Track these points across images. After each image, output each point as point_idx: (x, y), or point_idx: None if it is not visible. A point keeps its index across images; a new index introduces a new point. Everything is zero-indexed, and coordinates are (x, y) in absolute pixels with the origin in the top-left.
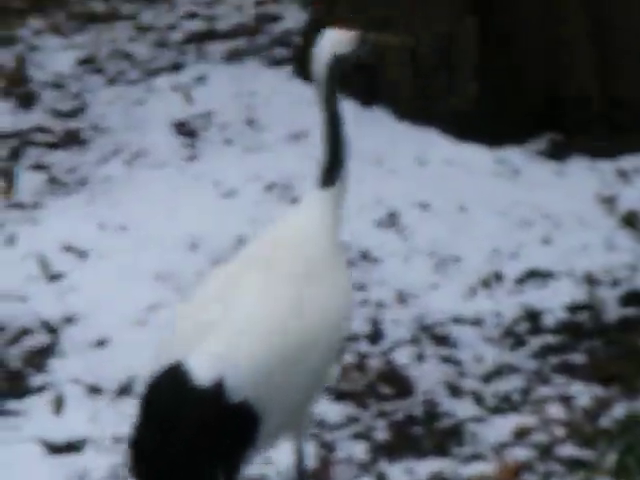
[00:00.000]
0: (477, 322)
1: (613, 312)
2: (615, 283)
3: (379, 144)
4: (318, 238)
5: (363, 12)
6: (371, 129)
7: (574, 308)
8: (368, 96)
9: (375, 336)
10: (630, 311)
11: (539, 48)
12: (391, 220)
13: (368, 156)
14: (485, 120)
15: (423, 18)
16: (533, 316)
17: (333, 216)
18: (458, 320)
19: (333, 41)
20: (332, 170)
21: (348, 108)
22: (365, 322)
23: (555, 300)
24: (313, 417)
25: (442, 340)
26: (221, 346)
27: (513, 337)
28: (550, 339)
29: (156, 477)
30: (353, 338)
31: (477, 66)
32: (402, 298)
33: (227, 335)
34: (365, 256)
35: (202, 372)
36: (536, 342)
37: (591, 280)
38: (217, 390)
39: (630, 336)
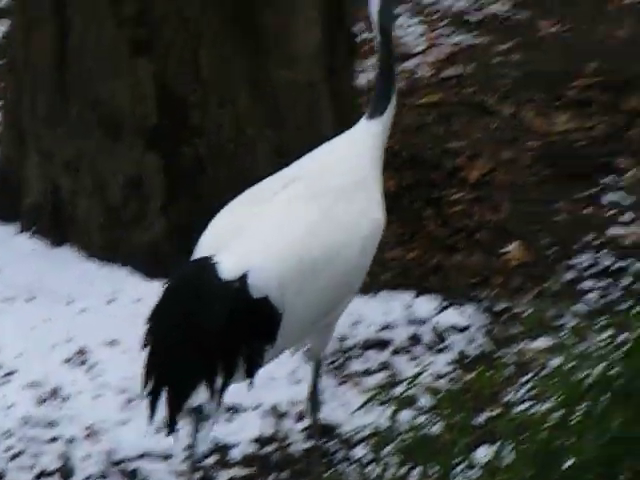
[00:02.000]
0: (166, 457)
1: (299, 444)
2: (300, 416)
3: (70, 283)
4: (360, 160)
5: (51, 156)
6: (61, 268)
7: (261, 440)
8: (58, 235)
9: (66, 472)
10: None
11: (227, 179)
12: (81, 358)
13: (59, 295)
14: (173, 256)
15: (110, 158)
16: (221, 449)
17: (377, 144)
18: (148, 455)
19: None
20: (381, 101)
21: (37, 248)
22: (56, 459)
23: (242, 434)
24: (328, 342)
25: (131, 474)
26: (248, 246)
27: (202, 471)
28: (238, 472)
29: (177, 363)
30: (44, 474)
31: (164, 202)
32: (92, 434)
33: (255, 238)
34: (55, 393)
35: (228, 267)
36: (224, 475)
37: (277, 413)
38: (241, 284)
39: (316, 468)
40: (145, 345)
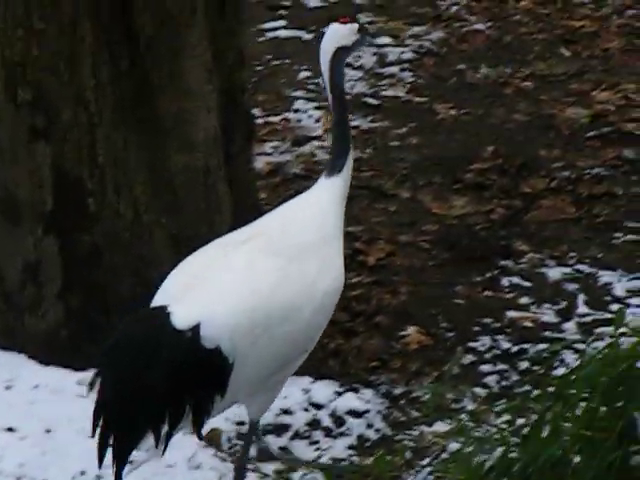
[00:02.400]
0: None
1: None
2: None
3: None
4: (322, 218)
5: None
6: None
7: None
8: None
9: None
10: None
11: (124, 266)
12: None
13: None
14: (70, 343)
15: (9, 242)
16: None
17: (339, 201)
18: None
19: (336, 34)
20: (339, 158)
21: None
22: None
23: None
24: (273, 400)
25: None
26: (203, 297)
27: None
28: None
29: (124, 409)
30: None
31: (61, 289)
32: None
33: (211, 289)
34: None
35: (182, 316)
36: None
37: None
38: (193, 334)
39: None
40: (94, 389)
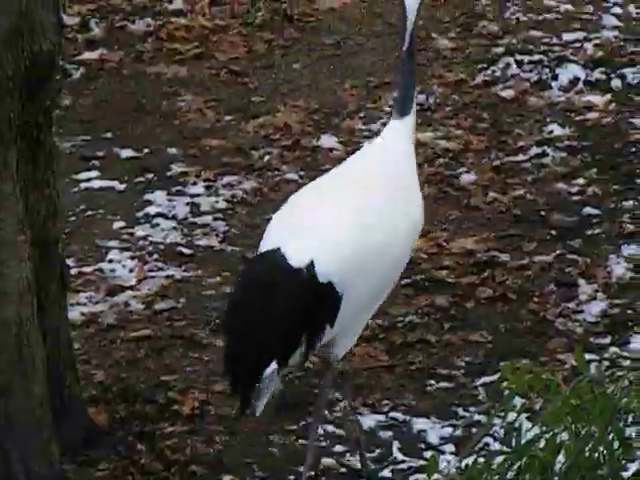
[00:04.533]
0: None
1: None
2: None
3: None
4: (403, 154)
5: None
6: None
7: None
8: None
9: None
10: None
11: None
12: None
13: None
14: None
15: None
16: None
17: (410, 141)
18: None
19: None
20: (409, 100)
21: None
22: None
23: None
24: (355, 340)
25: None
26: (312, 237)
27: None
28: None
29: (247, 341)
30: None
31: None
32: None
33: (318, 229)
34: None
35: (296, 256)
36: None
37: None
38: (308, 271)
39: None
40: (224, 332)
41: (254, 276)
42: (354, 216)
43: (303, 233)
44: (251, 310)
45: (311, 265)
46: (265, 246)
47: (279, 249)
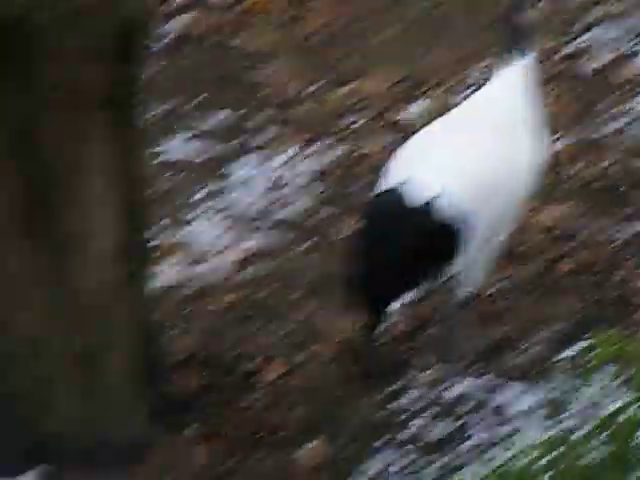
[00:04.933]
0: None
1: None
2: None
3: None
4: (524, 93)
5: None
6: None
7: None
8: None
9: None
10: None
11: (18, 386)
12: None
13: None
14: None
15: None
16: None
17: (534, 77)
18: None
19: None
20: (525, 39)
21: None
22: None
23: None
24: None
25: None
26: (437, 171)
27: None
28: None
29: (375, 276)
30: None
31: None
32: None
33: (441, 164)
34: None
35: (420, 191)
36: None
37: None
38: (434, 205)
39: None
40: (352, 268)
41: (385, 208)
42: (480, 149)
43: (432, 165)
44: (383, 240)
45: (442, 194)
46: (392, 180)
47: (402, 184)
